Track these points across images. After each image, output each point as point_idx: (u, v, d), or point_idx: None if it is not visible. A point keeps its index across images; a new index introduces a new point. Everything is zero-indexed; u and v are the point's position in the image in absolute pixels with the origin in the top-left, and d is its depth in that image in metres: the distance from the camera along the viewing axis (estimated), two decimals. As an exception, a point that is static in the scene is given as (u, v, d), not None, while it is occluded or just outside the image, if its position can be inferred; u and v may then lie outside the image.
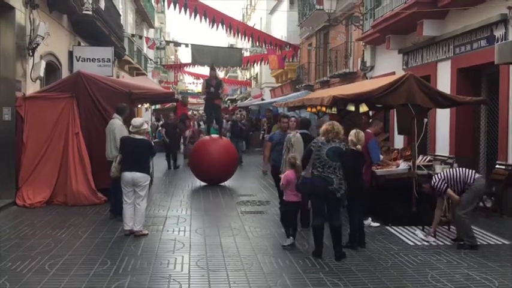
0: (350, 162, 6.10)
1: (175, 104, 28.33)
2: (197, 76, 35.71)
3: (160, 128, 24.52)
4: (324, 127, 6.14)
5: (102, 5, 14.57)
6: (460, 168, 6.75)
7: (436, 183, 6.66)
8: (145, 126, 7.34)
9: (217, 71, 13.57)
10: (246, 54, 26.70)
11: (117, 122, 8.30)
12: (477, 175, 6.63)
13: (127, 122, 7.98)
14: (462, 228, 6.63)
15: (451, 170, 6.87)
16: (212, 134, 12.99)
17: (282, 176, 6.76)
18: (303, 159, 6.36)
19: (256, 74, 38.52)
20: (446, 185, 6.59)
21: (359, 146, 6.48)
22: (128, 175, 7.00)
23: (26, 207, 8.86)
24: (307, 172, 6.09)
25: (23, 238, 6.82)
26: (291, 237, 6.54)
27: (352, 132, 6.57)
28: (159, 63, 34.72)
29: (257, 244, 6.71)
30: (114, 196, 8.01)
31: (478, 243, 6.62)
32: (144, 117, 24.60)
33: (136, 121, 7.23)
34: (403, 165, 8.25)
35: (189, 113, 27.10)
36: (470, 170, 6.66)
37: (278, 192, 8.13)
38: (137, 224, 7.04)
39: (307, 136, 7.59)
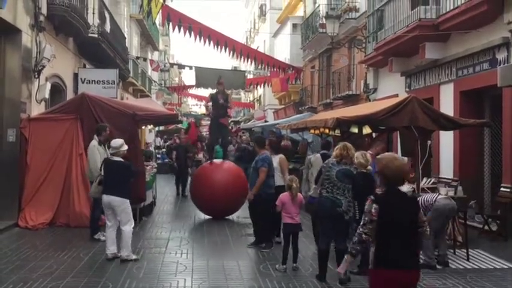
0: (361, 184, 6.05)
1: (178, 125, 28.49)
2: (200, 98, 35.89)
3: (164, 150, 24.61)
4: (338, 151, 6.09)
5: (108, 27, 14.76)
6: (426, 194, 7.21)
7: None
8: (125, 147, 7.08)
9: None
10: (249, 76, 26.88)
11: (92, 142, 8.39)
12: (440, 197, 6.88)
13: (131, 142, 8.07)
14: (423, 246, 6.67)
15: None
16: (220, 156, 11.65)
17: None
18: (315, 178, 6.40)
19: (260, 96, 38.71)
20: None
21: (370, 168, 6.46)
22: (105, 198, 6.81)
23: (28, 228, 8.82)
24: (315, 192, 6.08)
25: (24, 260, 6.77)
26: (283, 266, 6.42)
27: (359, 154, 6.54)
28: (163, 85, 34.97)
29: (260, 267, 6.65)
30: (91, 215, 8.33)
31: (435, 264, 6.62)
32: (148, 139, 24.75)
33: (115, 142, 7.02)
34: (406, 188, 8.19)
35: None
36: (434, 194, 7.06)
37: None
38: (124, 250, 6.71)
39: (326, 156, 7.60)
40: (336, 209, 5.84)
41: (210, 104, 11.22)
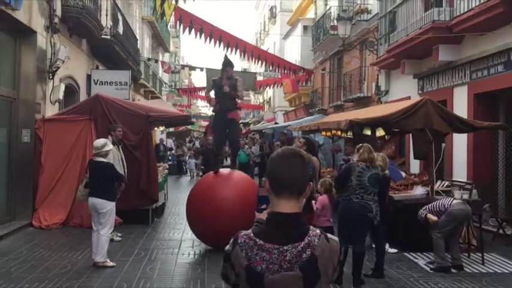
0: (382, 187, 6.05)
1: (189, 127, 28.52)
2: (210, 100, 35.86)
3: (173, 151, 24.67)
4: (366, 155, 5.99)
5: (121, 29, 14.85)
6: (441, 198, 7.10)
7: (419, 214, 6.90)
8: (109, 147, 6.82)
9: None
10: (259, 78, 26.91)
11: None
12: (456, 201, 6.78)
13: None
14: (435, 248, 6.67)
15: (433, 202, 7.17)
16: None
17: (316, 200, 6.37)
18: (336, 183, 6.27)
19: (269, 98, 38.71)
20: (426, 211, 6.82)
21: (387, 172, 6.42)
22: (90, 200, 6.60)
23: (42, 228, 8.89)
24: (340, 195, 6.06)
25: (39, 260, 6.82)
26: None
27: (379, 157, 6.51)
28: (173, 87, 35.09)
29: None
30: None
31: (449, 265, 6.59)
32: (157, 140, 24.88)
33: (97, 142, 6.83)
34: (420, 190, 8.16)
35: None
36: (450, 198, 6.97)
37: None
38: (97, 254, 6.47)
39: None
40: (367, 215, 5.79)
41: (212, 92, 8.38)
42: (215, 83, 8.10)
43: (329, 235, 1.71)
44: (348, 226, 5.90)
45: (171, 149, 25.98)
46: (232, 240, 1.72)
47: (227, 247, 1.73)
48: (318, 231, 1.69)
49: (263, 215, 1.91)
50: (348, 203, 5.88)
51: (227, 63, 8.05)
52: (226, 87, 7.70)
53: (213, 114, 8.64)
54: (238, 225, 5.67)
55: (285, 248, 1.63)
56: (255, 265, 1.64)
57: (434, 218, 6.67)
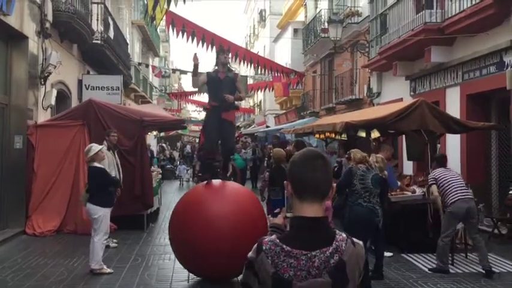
0: (383, 189, 6.05)
1: (179, 131, 28.38)
2: (200, 104, 35.80)
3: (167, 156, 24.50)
4: (359, 155, 6.01)
5: (112, 34, 14.75)
6: (452, 184, 6.57)
7: (429, 178, 6.89)
8: (92, 152, 6.56)
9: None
10: (250, 81, 26.89)
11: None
12: (460, 199, 6.45)
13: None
14: (439, 252, 6.63)
15: (447, 176, 6.68)
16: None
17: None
18: (339, 188, 6.19)
19: (260, 101, 38.69)
20: (433, 182, 6.71)
21: (386, 173, 6.42)
22: (87, 205, 6.64)
23: (36, 235, 8.76)
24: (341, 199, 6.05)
25: (35, 267, 6.72)
26: None
27: (379, 158, 6.51)
28: (163, 91, 34.98)
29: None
30: None
31: (449, 268, 6.61)
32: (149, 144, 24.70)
33: (86, 148, 6.90)
34: (417, 191, 8.18)
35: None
36: (456, 193, 6.48)
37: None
38: (92, 261, 6.41)
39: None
40: (375, 219, 5.76)
41: (204, 81, 6.66)
42: (209, 75, 6.59)
43: (354, 239, 1.68)
44: (357, 230, 5.84)
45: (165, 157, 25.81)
46: (255, 246, 1.67)
47: (250, 254, 1.68)
48: (344, 235, 1.65)
49: (278, 220, 1.87)
50: (358, 208, 5.80)
51: (219, 51, 6.81)
52: (229, 96, 6.34)
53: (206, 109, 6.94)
54: (232, 250, 5.18)
55: (313, 253, 1.59)
56: (282, 272, 1.59)
57: (436, 193, 6.64)
